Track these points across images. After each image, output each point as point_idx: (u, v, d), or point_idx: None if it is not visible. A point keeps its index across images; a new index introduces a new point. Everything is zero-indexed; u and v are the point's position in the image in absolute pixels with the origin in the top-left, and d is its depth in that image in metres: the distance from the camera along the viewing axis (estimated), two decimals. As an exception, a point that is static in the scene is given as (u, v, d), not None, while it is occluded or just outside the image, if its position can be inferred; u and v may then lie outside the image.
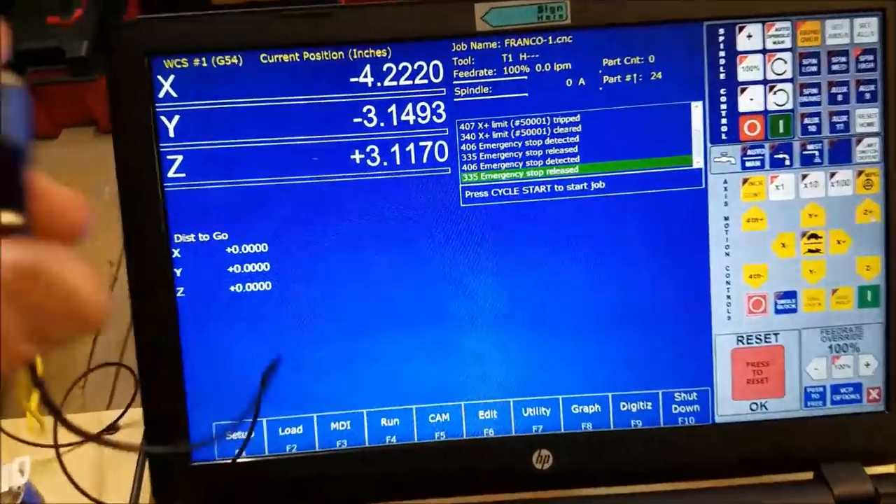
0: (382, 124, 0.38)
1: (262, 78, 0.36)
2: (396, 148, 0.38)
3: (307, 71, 0.37)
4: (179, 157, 0.36)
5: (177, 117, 0.36)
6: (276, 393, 0.38)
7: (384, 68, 0.38)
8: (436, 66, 0.38)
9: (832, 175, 0.39)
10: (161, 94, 0.36)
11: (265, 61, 0.36)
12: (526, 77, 0.38)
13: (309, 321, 0.39)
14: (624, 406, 0.40)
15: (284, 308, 0.38)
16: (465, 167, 0.38)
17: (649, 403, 0.40)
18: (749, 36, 0.38)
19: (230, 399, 0.38)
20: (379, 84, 0.37)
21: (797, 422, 0.40)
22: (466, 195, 0.38)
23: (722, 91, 0.38)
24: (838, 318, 0.40)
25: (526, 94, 0.38)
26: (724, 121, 0.39)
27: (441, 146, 0.38)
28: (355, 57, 0.37)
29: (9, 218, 0.12)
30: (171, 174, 0.36)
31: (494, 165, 0.38)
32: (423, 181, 0.38)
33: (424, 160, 0.38)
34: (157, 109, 0.36)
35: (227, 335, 0.38)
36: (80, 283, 0.13)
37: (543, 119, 0.38)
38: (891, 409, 0.40)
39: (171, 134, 0.36)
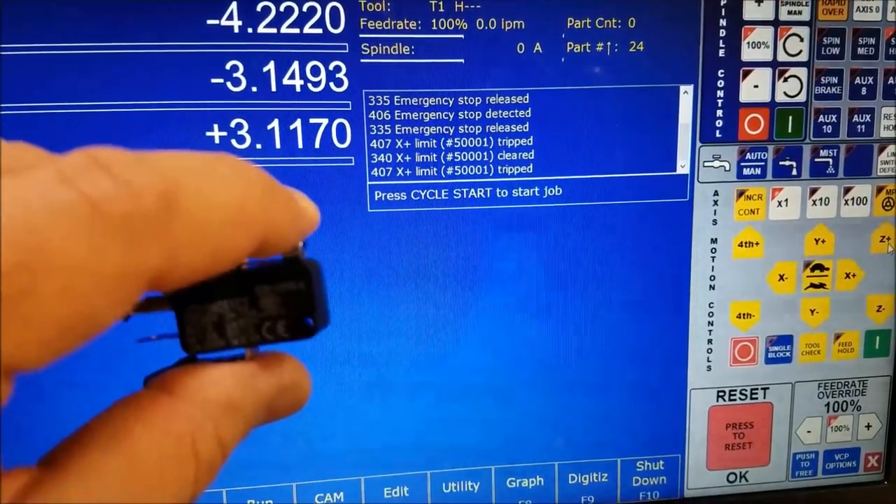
0: (255, 89, 0.26)
1: (79, 15, 0.24)
2: (275, 125, 0.27)
3: (143, 7, 0.25)
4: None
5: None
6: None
7: (259, 7, 0.26)
8: (335, 10, 0.26)
9: (847, 191, 0.31)
10: None
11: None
12: (462, 36, 0.27)
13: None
14: (573, 478, 0.31)
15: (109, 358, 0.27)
16: (374, 157, 0.27)
17: (605, 475, 0.31)
18: (758, 1, 0.29)
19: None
20: (250, 30, 0.26)
21: (783, 496, 0.32)
22: (376, 197, 0.28)
23: (720, 73, 0.29)
24: (840, 370, 0.32)
25: (461, 61, 0.27)
26: (719, 113, 0.29)
27: (341, 126, 0.27)
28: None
29: None
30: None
31: (417, 157, 0.27)
32: (314, 175, 0.27)
33: (317, 145, 0.27)
34: None
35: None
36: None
37: (483, 98, 0.28)
38: (890, 479, 0.33)
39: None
